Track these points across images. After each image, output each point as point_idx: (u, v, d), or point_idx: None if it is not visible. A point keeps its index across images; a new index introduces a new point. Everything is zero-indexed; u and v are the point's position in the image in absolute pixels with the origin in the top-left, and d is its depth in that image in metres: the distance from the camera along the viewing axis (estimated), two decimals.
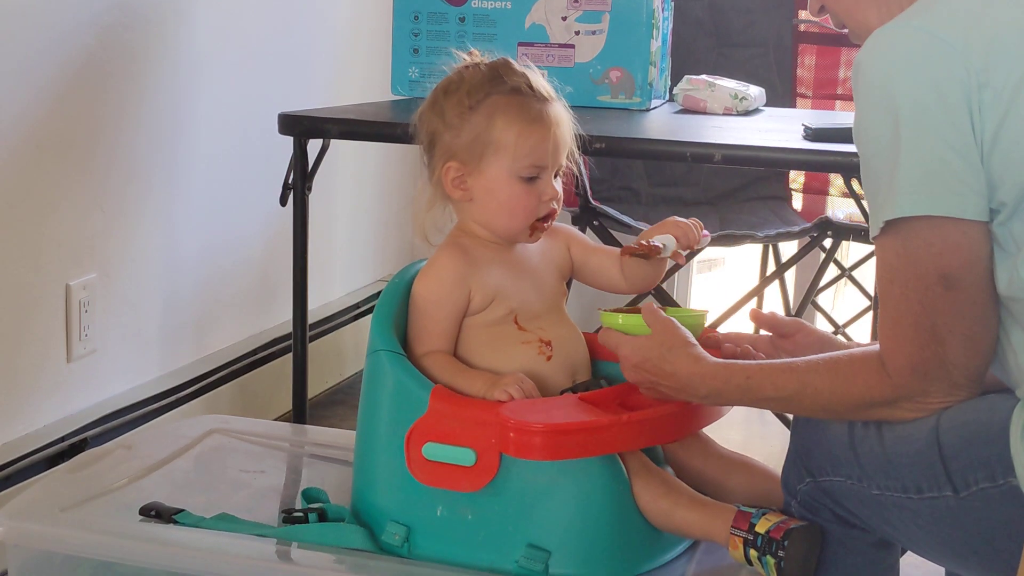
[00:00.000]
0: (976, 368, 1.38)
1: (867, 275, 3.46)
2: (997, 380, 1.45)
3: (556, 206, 1.68)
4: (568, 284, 1.79)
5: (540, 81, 1.68)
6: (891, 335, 1.38)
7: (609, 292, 1.80)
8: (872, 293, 2.89)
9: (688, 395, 1.54)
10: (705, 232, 1.73)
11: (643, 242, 1.68)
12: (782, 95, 3.28)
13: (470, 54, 1.71)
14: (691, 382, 1.52)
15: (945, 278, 1.34)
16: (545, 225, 1.68)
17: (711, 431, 1.70)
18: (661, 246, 1.68)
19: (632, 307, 1.67)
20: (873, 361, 1.40)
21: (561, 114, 1.68)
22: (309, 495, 1.79)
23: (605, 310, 1.64)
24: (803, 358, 1.48)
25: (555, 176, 1.68)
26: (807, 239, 2.89)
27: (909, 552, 1.59)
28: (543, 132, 1.64)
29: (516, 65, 1.68)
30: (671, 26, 2.95)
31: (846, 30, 1.55)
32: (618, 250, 1.73)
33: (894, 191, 1.33)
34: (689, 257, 3.09)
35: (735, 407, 1.65)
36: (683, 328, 1.56)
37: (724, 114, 2.78)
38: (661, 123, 2.62)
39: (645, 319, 1.57)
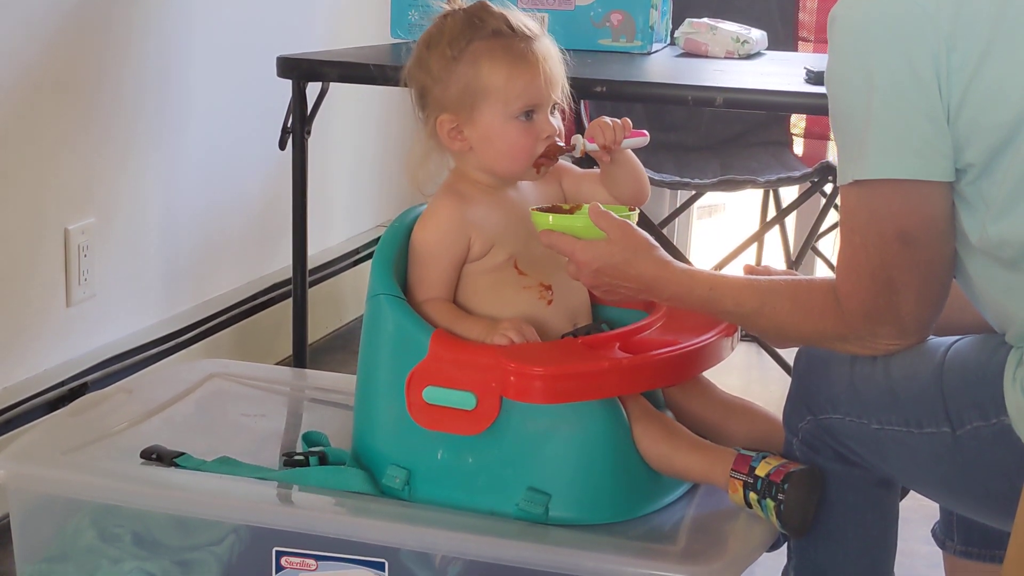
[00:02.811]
0: (927, 317, 1.42)
1: None
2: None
3: (558, 140, 1.66)
4: None
5: (521, 18, 1.66)
6: (848, 279, 1.42)
7: None
8: None
9: (651, 295, 1.57)
10: (641, 132, 1.70)
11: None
12: (784, 39, 3.26)
13: (449, 2, 1.69)
14: (656, 284, 1.54)
15: (903, 235, 1.37)
16: (549, 160, 1.67)
17: (711, 375, 1.70)
18: (564, 145, 1.67)
19: (556, 205, 1.67)
20: (830, 295, 1.44)
21: (548, 49, 1.65)
22: (310, 439, 1.79)
23: (535, 209, 1.62)
24: (767, 278, 1.52)
25: (552, 112, 1.66)
26: (808, 184, 2.88)
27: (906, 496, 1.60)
28: (532, 71, 1.63)
29: (493, 7, 1.66)
30: None
31: None
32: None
33: (864, 153, 1.36)
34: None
35: (735, 352, 1.67)
36: (641, 230, 1.56)
37: (726, 58, 2.76)
38: (662, 67, 2.60)
39: (598, 223, 1.55)
